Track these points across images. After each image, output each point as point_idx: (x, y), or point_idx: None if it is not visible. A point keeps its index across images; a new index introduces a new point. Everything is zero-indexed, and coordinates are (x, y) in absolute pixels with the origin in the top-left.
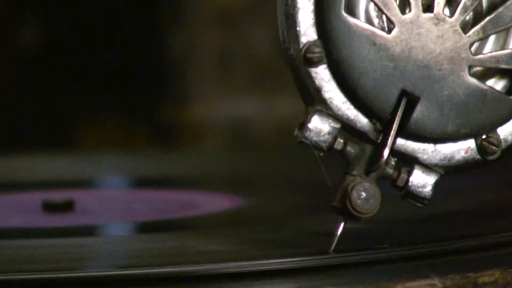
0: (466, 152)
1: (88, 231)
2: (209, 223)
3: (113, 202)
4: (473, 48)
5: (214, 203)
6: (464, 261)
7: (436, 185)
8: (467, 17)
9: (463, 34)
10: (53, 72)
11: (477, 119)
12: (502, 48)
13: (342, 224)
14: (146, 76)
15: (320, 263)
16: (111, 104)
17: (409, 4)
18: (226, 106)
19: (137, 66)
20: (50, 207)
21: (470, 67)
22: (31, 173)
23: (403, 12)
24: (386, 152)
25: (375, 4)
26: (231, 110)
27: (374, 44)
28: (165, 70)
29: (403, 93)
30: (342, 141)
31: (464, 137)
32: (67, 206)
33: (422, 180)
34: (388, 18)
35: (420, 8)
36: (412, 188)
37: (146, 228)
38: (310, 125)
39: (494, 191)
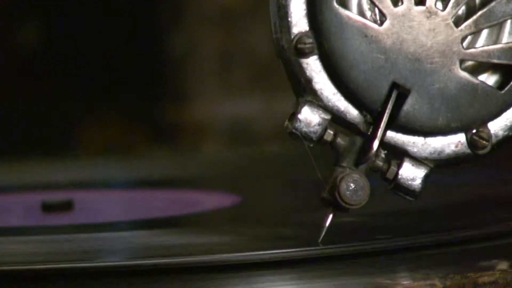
0: (456, 146)
1: (88, 228)
2: (208, 221)
3: (113, 202)
4: (465, 43)
5: (214, 202)
6: (464, 261)
7: (425, 179)
8: (460, 11)
9: (455, 28)
10: (53, 73)
11: (467, 113)
12: (495, 43)
13: (330, 216)
14: (146, 76)
15: (310, 255)
16: (111, 104)
17: None
18: (226, 106)
19: (137, 66)
20: (49, 208)
21: (461, 61)
22: (30, 174)
23: (395, 4)
24: (375, 144)
25: None
26: (231, 110)
27: (366, 36)
28: (165, 70)
29: (394, 85)
30: (332, 132)
31: (455, 131)
32: (66, 206)
33: (411, 173)
34: (380, 11)
35: (412, 1)
36: (401, 181)
37: (146, 225)
38: (300, 116)
39: (494, 191)
